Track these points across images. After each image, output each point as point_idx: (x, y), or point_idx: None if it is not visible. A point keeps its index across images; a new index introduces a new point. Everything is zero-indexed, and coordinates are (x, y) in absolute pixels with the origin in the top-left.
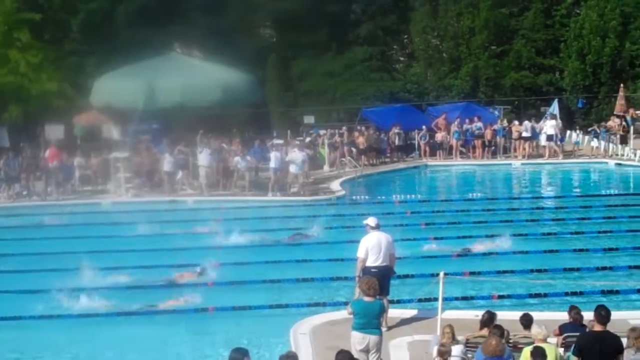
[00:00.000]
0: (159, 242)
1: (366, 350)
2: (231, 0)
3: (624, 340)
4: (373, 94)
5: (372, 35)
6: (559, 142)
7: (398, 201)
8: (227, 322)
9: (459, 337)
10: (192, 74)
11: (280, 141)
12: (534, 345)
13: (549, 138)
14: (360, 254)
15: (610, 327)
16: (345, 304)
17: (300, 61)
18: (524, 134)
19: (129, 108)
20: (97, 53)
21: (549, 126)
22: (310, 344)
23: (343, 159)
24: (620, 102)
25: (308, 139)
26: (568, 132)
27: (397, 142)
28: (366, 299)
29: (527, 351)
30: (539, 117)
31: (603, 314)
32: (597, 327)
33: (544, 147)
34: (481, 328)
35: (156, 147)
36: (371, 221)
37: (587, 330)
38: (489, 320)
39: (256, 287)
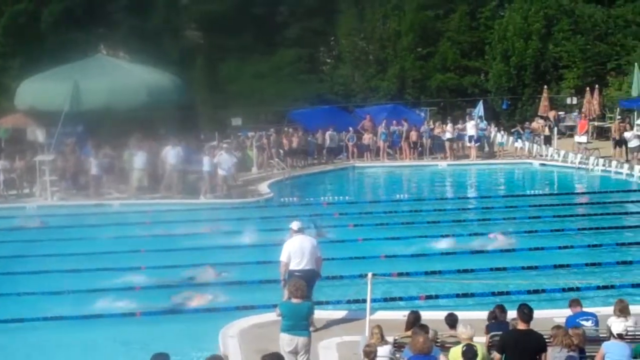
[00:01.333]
0: (85, 247)
1: (295, 352)
2: (157, 2)
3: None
4: (301, 95)
5: (299, 37)
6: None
7: (326, 203)
8: (155, 326)
9: (388, 338)
10: (118, 75)
11: (215, 143)
12: (467, 343)
13: (470, 139)
14: (283, 258)
15: (535, 326)
16: (274, 306)
17: (228, 63)
18: (448, 135)
19: (54, 110)
20: (22, 55)
21: (470, 127)
22: (239, 346)
23: (271, 161)
24: (543, 104)
25: (236, 141)
26: (493, 133)
27: (329, 143)
28: (294, 300)
29: (455, 351)
30: (464, 118)
31: (526, 312)
32: (521, 326)
33: (469, 147)
34: (407, 328)
35: (82, 150)
36: (294, 225)
37: (510, 327)
38: (414, 320)
39: (185, 290)
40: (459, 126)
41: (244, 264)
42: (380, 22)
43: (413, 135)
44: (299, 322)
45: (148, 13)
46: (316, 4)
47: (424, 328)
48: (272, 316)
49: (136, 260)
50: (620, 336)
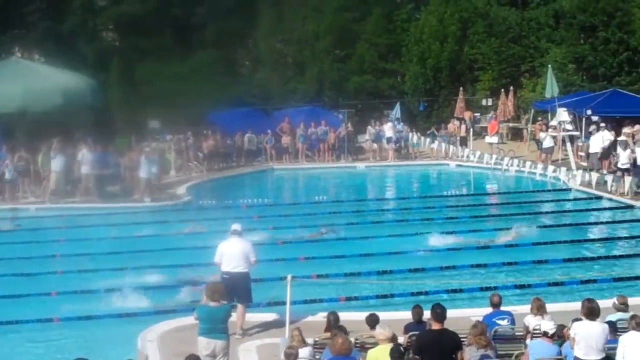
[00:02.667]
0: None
1: (213, 355)
2: (73, 3)
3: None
4: (219, 98)
5: (217, 39)
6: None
7: (245, 205)
8: (73, 332)
9: (309, 339)
10: (33, 78)
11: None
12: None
13: (388, 141)
14: (215, 258)
15: (453, 325)
16: (193, 310)
17: (144, 65)
18: (367, 138)
19: None
20: None
21: (387, 129)
22: (158, 350)
23: (190, 164)
24: (459, 105)
25: (154, 144)
26: (410, 134)
27: (247, 146)
28: (211, 304)
29: (372, 353)
30: (382, 120)
31: (439, 312)
32: (435, 326)
33: (388, 149)
34: (326, 330)
35: None
36: (232, 226)
37: (427, 327)
38: (333, 321)
39: (103, 296)
40: (376, 127)
41: (162, 267)
42: (298, 24)
43: (331, 137)
44: (217, 326)
45: (64, 15)
46: (234, 5)
47: (342, 329)
48: (191, 320)
49: (52, 265)
50: (546, 334)
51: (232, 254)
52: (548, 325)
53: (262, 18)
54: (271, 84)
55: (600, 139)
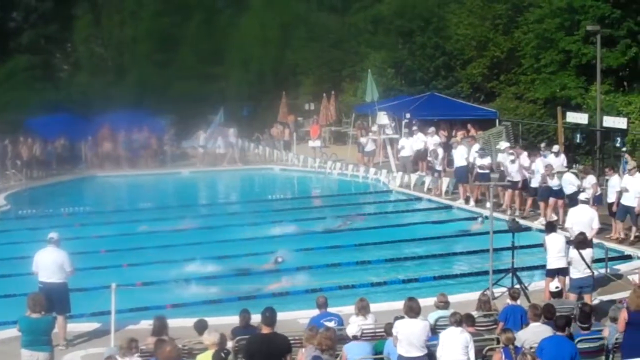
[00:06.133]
0: None
1: None
2: None
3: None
4: (37, 103)
5: (34, 43)
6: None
7: (66, 214)
8: None
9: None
10: None
11: None
12: (215, 350)
13: (219, 146)
14: (33, 268)
15: (281, 327)
16: (16, 322)
17: None
18: (200, 143)
19: None
20: None
21: (218, 134)
22: None
23: (7, 172)
24: (282, 110)
25: None
26: (235, 140)
27: (68, 153)
28: (33, 315)
29: (202, 357)
30: (207, 125)
31: (267, 315)
32: (265, 330)
33: (216, 155)
34: (152, 336)
35: None
36: (48, 235)
37: (256, 330)
38: (160, 327)
39: None
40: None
41: None
42: (117, 28)
43: (153, 143)
44: (39, 337)
45: None
46: (51, 9)
47: (165, 339)
48: (13, 332)
49: None
50: (355, 337)
51: (46, 263)
52: (353, 329)
53: (79, 22)
54: (91, 89)
55: (413, 142)
